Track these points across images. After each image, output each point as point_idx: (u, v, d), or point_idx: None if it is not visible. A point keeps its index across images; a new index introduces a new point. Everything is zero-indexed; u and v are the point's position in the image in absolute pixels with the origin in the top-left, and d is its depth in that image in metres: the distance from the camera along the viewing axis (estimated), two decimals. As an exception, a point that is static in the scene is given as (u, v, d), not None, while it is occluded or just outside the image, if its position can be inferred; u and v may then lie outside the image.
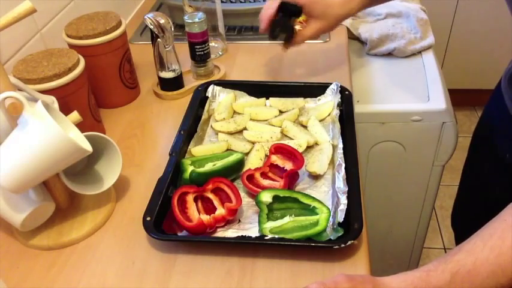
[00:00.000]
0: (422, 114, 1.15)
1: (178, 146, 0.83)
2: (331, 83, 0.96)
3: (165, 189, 0.75)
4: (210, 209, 0.74)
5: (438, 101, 1.16)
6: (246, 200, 0.77)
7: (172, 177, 0.77)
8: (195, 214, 0.72)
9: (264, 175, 0.80)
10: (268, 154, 0.84)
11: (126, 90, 1.01)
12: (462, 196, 1.16)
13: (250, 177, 0.79)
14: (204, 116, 0.93)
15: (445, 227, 1.95)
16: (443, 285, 0.55)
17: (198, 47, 1.03)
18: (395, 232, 1.40)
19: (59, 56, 0.83)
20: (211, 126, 0.94)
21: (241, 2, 1.24)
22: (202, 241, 0.71)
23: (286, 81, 1.02)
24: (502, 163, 0.91)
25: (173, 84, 1.02)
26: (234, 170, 0.80)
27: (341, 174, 0.75)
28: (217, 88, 0.99)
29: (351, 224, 0.67)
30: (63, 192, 0.75)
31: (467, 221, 1.16)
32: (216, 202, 0.74)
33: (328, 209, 0.71)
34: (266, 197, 0.72)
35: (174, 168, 0.78)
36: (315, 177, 0.80)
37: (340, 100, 0.92)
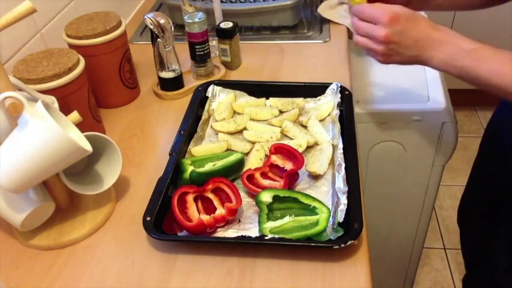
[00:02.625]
0: (422, 114, 1.15)
1: (178, 146, 0.83)
2: (331, 83, 0.96)
3: (165, 189, 0.74)
4: (210, 209, 0.74)
5: (438, 101, 1.16)
6: (246, 200, 0.77)
7: (172, 177, 0.77)
8: (195, 214, 0.72)
9: (264, 175, 0.80)
10: (268, 154, 0.84)
11: (126, 90, 1.01)
12: (470, 193, 1.15)
13: (250, 177, 0.79)
14: (204, 116, 0.93)
15: (445, 227, 1.95)
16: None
17: (198, 47, 1.03)
18: (395, 232, 1.40)
19: (59, 56, 0.83)
20: (211, 126, 0.94)
21: (241, 2, 1.24)
22: (202, 241, 0.71)
23: (286, 81, 1.02)
24: (510, 161, 0.91)
25: (173, 84, 1.02)
26: (234, 170, 0.80)
27: (341, 174, 0.75)
28: (217, 88, 0.99)
29: (351, 224, 0.67)
30: (63, 192, 0.75)
31: (472, 217, 1.16)
32: (216, 202, 0.74)
33: (328, 209, 0.71)
34: (266, 197, 0.72)
35: (174, 168, 0.78)
36: (315, 177, 0.80)
37: (340, 100, 0.92)
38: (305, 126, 0.91)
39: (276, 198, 0.73)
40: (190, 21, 0.99)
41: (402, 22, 0.75)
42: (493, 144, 1.02)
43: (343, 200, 0.70)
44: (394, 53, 0.78)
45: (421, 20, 0.77)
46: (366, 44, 0.80)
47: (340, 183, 0.74)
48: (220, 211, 0.72)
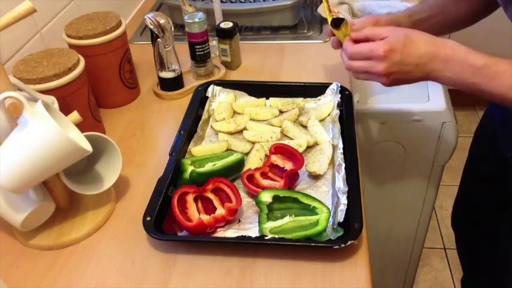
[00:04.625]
0: (422, 114, 1.15)
1: (178, 146, 0.83)
2: (331, 83, 0.96)
3: (165, 189, 0.75)
4: (210, 209, 0.74)
5: (438, 101, 1.15)
6: (246, 200, 0.77)
7: (172, 177, 0.77)
8: (195, 214, 0.72)
9: (264, 175, 0.80)
10: (268, 154, 0.84)
11: (126, 90, 1.01)
12: (462, 196, 1.16)
13: (250, 177, 0.79)
14: (204, 116, 0.93)
15: (445, 227, 1.95)
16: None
17: (198, 47, 1.03)
18: (395, 232, 1.39)
19: (59, 56, 0.83)
20: (211, 126, 0.94)
21: (241, 2, 1.24)
22: (202, 241, 0.71)
23: (286, 81, 1.02)
24: (502, 163, 0.91)
25: (173, 84, 1.02)
26: (234, 170, 0.80)
27: (341, 174, 0.75)
28: (217, 88, 0.99)
29: (351, 224, 0.67)
30: (63, 192, 0.75)
31: (467, 220, 1.16)
32: (216, 202, 0.74)
33: (328, 209, 0.71)
34: (266, 197, 0.72)
35: (174, 168, 0.78)
36: (315, 177, 0.80)
37: (340, 100, 0.92)
38: (305, 126, 0.91)
39: (276, 198, 0.73)
40: (190, 21, 0.99)
41: (398, 51, 0.72)
42: (485, 147, 1.02)
43: (343, 200, 0.70)
44: (397, 81, 0.75)
45: (418, 41, 0.73)
46: (368, 79, 0.78)
47: (340, 183, 0.74)
48: (220, 211, 0.72)
